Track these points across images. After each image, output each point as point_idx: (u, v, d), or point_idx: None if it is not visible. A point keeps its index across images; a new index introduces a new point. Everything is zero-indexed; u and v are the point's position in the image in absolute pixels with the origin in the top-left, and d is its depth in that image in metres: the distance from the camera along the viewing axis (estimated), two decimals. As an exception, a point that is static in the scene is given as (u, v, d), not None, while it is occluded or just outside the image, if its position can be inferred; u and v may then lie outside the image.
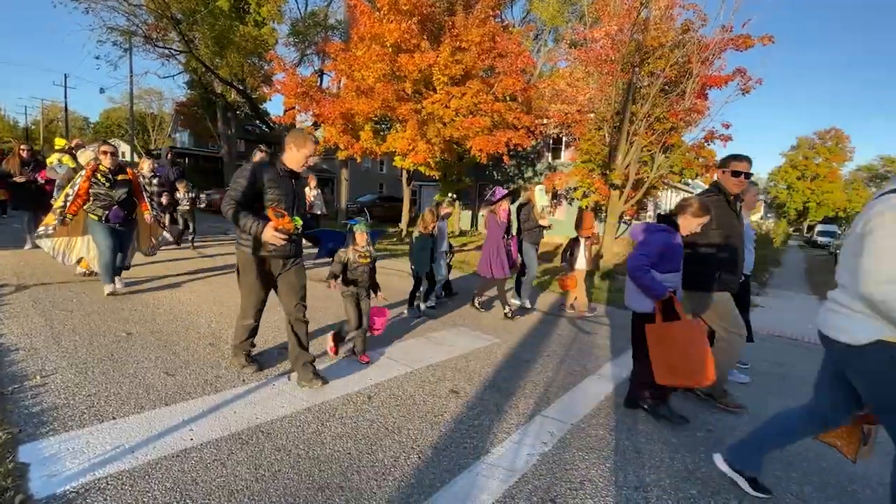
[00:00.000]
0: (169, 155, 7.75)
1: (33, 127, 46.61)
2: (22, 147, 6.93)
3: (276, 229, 2.60)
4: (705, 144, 12.15)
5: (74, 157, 5.82)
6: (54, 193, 6.22)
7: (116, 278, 4.63)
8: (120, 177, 4.49)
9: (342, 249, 3.41)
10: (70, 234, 4.66)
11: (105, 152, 4.42)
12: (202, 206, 8.90)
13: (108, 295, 4.40)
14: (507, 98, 12.31)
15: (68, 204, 4.28)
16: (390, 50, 11.21)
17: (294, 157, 2.84)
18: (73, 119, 46.02)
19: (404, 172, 14.96)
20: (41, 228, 4.41)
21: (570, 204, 18.22)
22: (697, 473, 2.34)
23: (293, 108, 13.39)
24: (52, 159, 5.97)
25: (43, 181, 6.51)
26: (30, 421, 2.20)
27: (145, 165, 7.18)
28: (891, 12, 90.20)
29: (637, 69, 11.21)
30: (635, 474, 2.27)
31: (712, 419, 3.04)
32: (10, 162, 6.71)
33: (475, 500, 1.95)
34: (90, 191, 4.35)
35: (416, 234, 5.07)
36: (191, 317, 4.11)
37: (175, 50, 19.16)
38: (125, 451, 2.04)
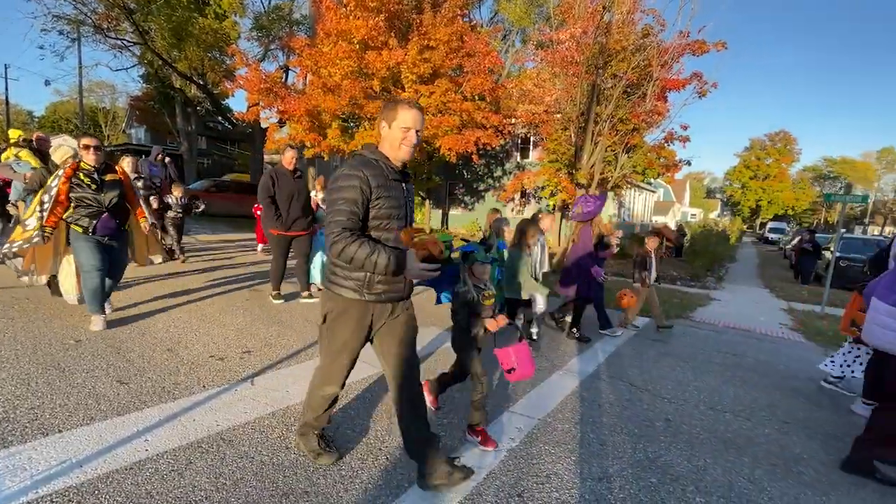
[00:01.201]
0: (160, 155, 6.62)
1: (-30, 120, 43.18)
2: None
3: (424, 259, 1.77)
4: (665, 145, 12.62)
5: (38, 153, 5.02)
6: (11, 196, 5.37)
7: (106, 305, 3.78)
8: (108, 176, 3.58)
9: (461, 288, 2.52)
10: (48, 255, 3.73)
11: (87, 146, 3.48)
12: (199, 210, 7.62)
13: (95, 329, 3.54)
14: (476, 97, 12.40)
15: (45, 214, 3.33)
16: (357, 47, 11.07)
17: (392, 140, 1.85)
18: (16, 112, 42.93)
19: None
20: (6, 246, 3.47)
21: (539, 203, 18.52)
22: (658, 462, 2.43)
23: (257, 104, 13.00)
24: (8, 155, 5.09)
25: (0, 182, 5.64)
26: (-37, 438, 2.04)
27: (126, 164, 5.83)
28: (832, 23, 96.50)
29: (601, 71, 11.51)
30: (599, 466, 2.34)
31: (670, 409, 3.16)
32: None
33: (443, 499, 1.95)
34: (71, 195, 3.42)
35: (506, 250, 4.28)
36: (147, 321, 3.92)
37: (128, 41, 18.16)
38: (72, 465, 1.92)
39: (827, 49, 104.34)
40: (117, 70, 33.42)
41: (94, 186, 3.49)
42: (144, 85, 23.59)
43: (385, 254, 1.72)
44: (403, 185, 1.93)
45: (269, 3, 21.07)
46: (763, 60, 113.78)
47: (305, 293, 5.19)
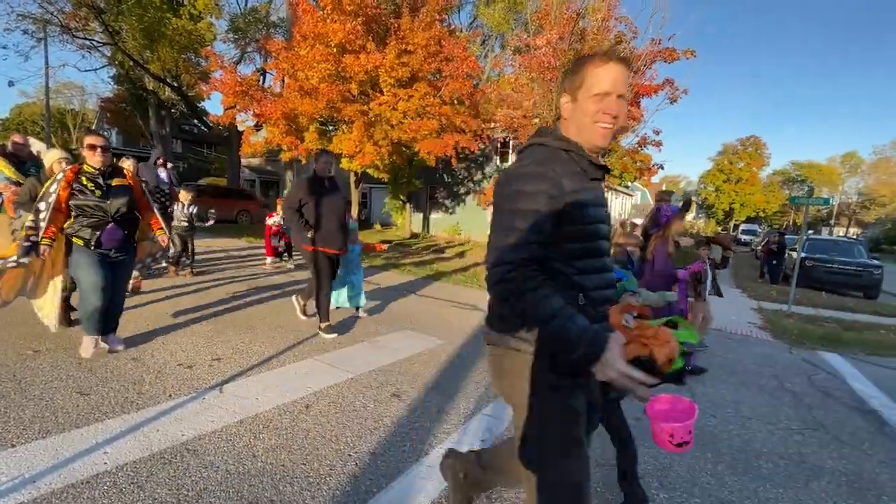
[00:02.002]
0: (160, 160, 5.83)
1: (-73, 122, 41.20)
2: None
3: (634, 360, 1.10)
4: (640, 149, 12.91)
5: (14, 161, 4.35)
6: None
7: (114, 339, 3.33)
8: (116, 181, 3.16)
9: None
10: (46, 274, 3.23)
11: (93, 146, 3.04)
12: (210, 223, 6.96)
13: (84, 356, 3.13)
14: (455, 101, 12.47)
15: (43, 225, 2.89)
16: (335, 50, 11.02)
17: (582, 117, 1.25)
18: (-22, 114, 41.19)
19: (352, 175, 14.72)
20: None
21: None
22: (625, 460, 2.47)
23: (233, 107, 12.80)
24: None
25: None
26: None
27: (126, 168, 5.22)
28: (799, 34, 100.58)
29: (576, 77, 11.71)
30: (568, 465, 2.37)
31: (638, 407, 3.22)
32: None
33: (411, 503, 1.95)
34: (71, 203, 2.99)
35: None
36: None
37: (97, 42, 17.65)
38: (24, 481, 1.85)
39: (794, 55, 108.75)
40: (86, 71, 32.54)
41: (99, 193, 3.04)
42: (116, 86, 22.96)
43: (580, 324, 1.08)
44: (603, 186, 1.33)
45: (246, 4, 20.82)
46: (734, 66, 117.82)
47: (324, 324, 4.18)
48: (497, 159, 19.48)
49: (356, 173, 13.99)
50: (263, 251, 8.16)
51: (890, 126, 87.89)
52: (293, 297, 4.73)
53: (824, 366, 4.79)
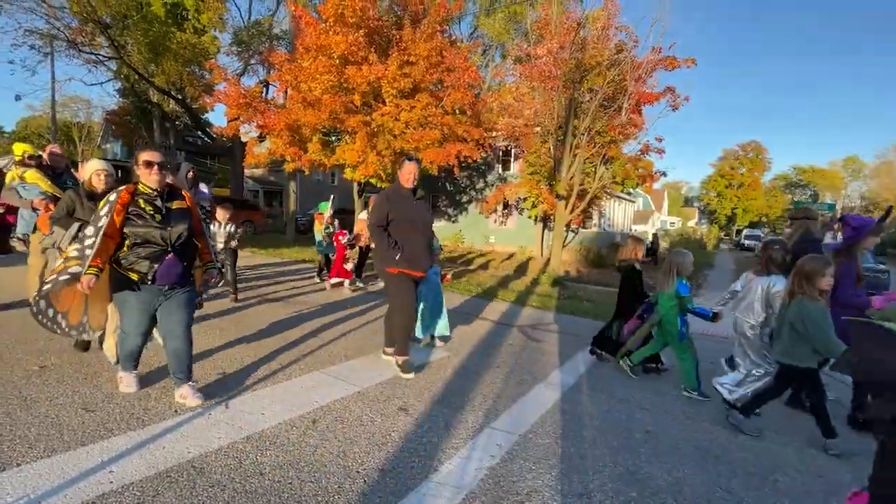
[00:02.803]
0: (191, 173, 5.17)
1: (-65, 137, 41.68)
2: None
3: None
4: (642, 156, 12.94)
5: (49, 171, 4.13)
6: (17, 229, 4.31)
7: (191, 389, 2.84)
8: (175, 204, 2.75)
9: None
10: (91, 304, 2.94)
11: (149, 163, 2.62)
12: (234, 243, 5.82)
13: (129, 391, 2.88)
14: (457, 111, 12.54)
15: (90, 253, 2.48)
16: (337, 62, 11.11)
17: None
18: (-16, 128, 41.72)
19: (355, 185, 14.77)
20: (41, 290, 2.60)
21: (521, 214, 18.71)
22: (638, 475, 2.43)
23: (237, 119, 12.90)
24: (13, 176, 4.11)
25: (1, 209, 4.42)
26: (-88, 476, 1.92)
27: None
28: (798, 35, 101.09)
29: (577, 85, 11.80)
30: (580, 481, 2.33)
31: (650, 420, 3.18)
32: None
33: (421, 522, 1.92)
34: (126, 230, 2.57)
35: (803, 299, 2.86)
36: (117, 344, 3.79)
37: (103, 56, 17.89)
38: (30, 501, 1.82)
39: (794, 59, 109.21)
40: (92, 85, 32.89)
41: (158, 217, 2.62)
42: (121, 99, 23.24)
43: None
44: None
45: (249, 18, 21.09)
46: (733, 70, 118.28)
47: (402, 359, 3.63)
48: (499, 167, 19.55)
49: (359, 183, 14.03)
50: (280, 264, 8.14)
51: (891, 128, 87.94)
52: (382, 352, 3.98)
53: (837, 377, 4.72)
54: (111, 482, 1.99)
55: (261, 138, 14.90)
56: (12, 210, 4.39)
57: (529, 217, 17.90)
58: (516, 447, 2.63)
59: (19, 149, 4.26)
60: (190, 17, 17.81)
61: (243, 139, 16.84)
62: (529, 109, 13.33)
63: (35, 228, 4.03)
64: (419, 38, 11.52)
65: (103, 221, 2.51)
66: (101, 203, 2.61)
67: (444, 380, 3.62)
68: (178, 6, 17.53)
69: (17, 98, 22.47)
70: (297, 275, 8.34)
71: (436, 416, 2.94)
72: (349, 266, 7.14)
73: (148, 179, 2.65)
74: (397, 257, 3.50)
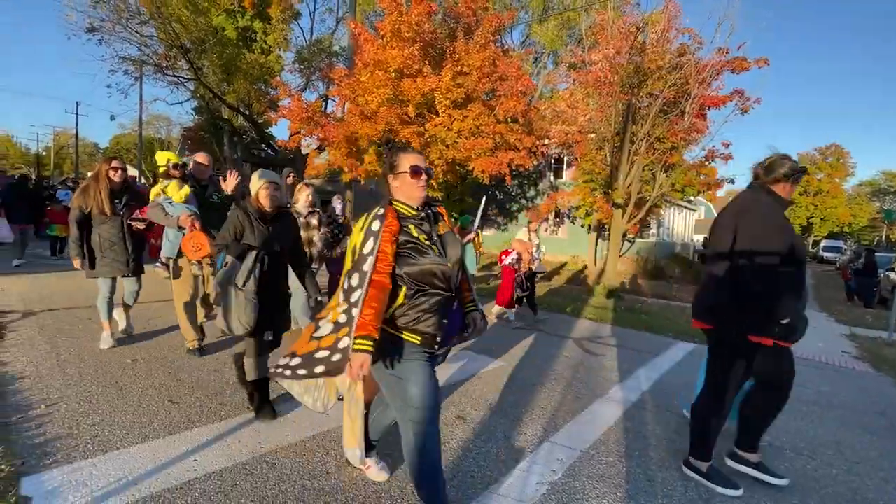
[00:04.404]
0: (291, 177, 4.86)
1: (44, 153, 47.67)
2: (114, 164, 3.63)
3: None
4: (706, 163, 12.24)
5: (195, 186, 3.62)
6: (163, 252, 3.68)
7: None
8: (441, 227, 1.95)
9: None
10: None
11: (417, 171, 1.84)
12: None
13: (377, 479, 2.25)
14: (509, 120, 12.51)
15: (356, 314, 1.67)
16: (393, 75, 11.47)
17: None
18: (84, 145, 47.08)
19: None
20: (283, 369, 1.94)
21: (573, 223, 18.27)
22: (712, 503, 2.27)
23: (298, 132, 13.65)
24: (157, 191, 3.65)
25: (142, 225, 3.74)
26: (33, 452, 2.18)
27: (303, 197, 3.85)
28: (880, 32, 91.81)
29: (636, 90, 11.40)
30: (648, 504, 2.22)
31: (723, 444, 2.97)
32: (91, 190, 3.57)
33: (484, 533, 1.90)
34: (404, 270, 1.76)
35: None
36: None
37: (184, 77, 19.69)
38: (129, 483, 2.01)
39: (881, 58, 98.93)
40: (173, 104, 36.12)
41: (436, 249, 1.81)
42: (196, 116, 25.33)
43: None
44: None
45: (311, 37, 22.33)
46: (808, 68, 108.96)
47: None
48: (551, 175, 19.24)
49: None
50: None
51: None
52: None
53: None
54: (195, 470, 2.15)
55: (320, 150, 15.65)
56: (154, 227, 3.79)
57: (582, 226, 17.43)
58: (578, 463, 2.54)
59: (163, 157, 3.71)
60: (258, 38, 19.19)
61: (304, 151, 17.77)
62: (584, 116, 13.03)
63: (180, 253, 3.49)
64: (472, 49, 11.65)
65: (369, 263, 1.68)
66: (358, 236, 1.76)
67: (500, 390, 3.58)
68: (248, 29, 18.98)
69: (112, 118, 25.31)
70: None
71: (493, 426, 2.92)
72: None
73: (412, 194, 1.84)
74: None
